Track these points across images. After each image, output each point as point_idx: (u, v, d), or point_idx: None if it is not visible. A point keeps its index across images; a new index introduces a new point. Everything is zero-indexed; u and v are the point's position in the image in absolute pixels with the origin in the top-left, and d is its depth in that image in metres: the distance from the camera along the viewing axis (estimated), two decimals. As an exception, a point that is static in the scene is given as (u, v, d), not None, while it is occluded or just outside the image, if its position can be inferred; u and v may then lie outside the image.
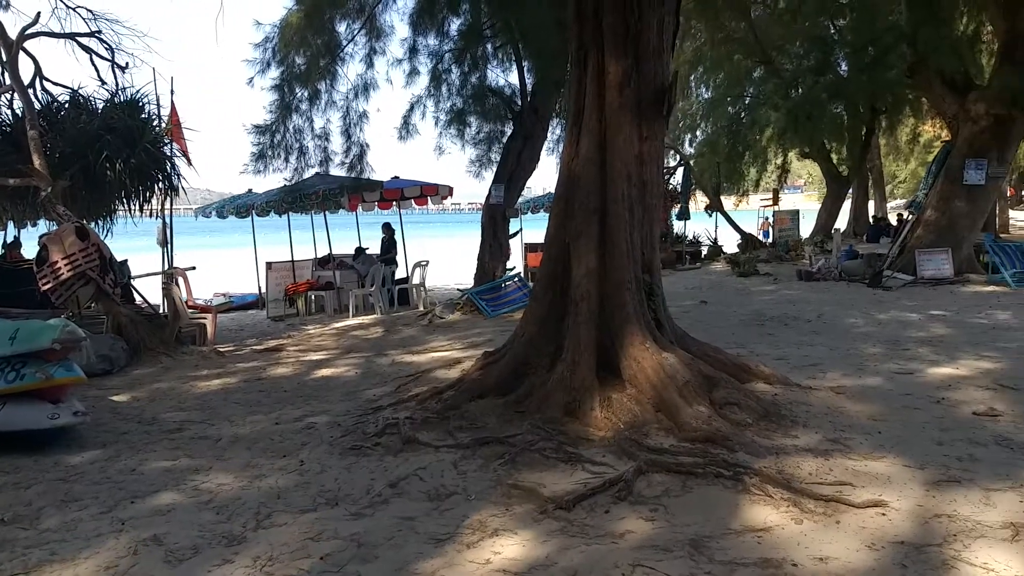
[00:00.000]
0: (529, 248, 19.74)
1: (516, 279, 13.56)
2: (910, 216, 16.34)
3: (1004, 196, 26.45)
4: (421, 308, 13.30)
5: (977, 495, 3.95)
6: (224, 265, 17.46)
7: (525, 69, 13.93)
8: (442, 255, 21.33)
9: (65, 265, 8.25)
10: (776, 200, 26.63)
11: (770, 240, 23.50)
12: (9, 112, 10.97)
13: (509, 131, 14.28)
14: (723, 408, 5.08)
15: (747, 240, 22.71)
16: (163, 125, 11.18)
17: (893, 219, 22.45)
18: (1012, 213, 32.33)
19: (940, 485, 4.10)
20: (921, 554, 3.34)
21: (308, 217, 16.19)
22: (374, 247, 15.57)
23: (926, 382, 6.41)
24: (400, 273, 15.47)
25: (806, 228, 26.41)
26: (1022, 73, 13.46)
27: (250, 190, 15.76)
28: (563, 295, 5.87)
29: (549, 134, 14.78)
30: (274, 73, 13.58)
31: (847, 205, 29.49)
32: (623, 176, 5.89)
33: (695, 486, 4.19)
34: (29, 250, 12.12)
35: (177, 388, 7.42)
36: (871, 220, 24.86)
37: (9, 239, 12.97)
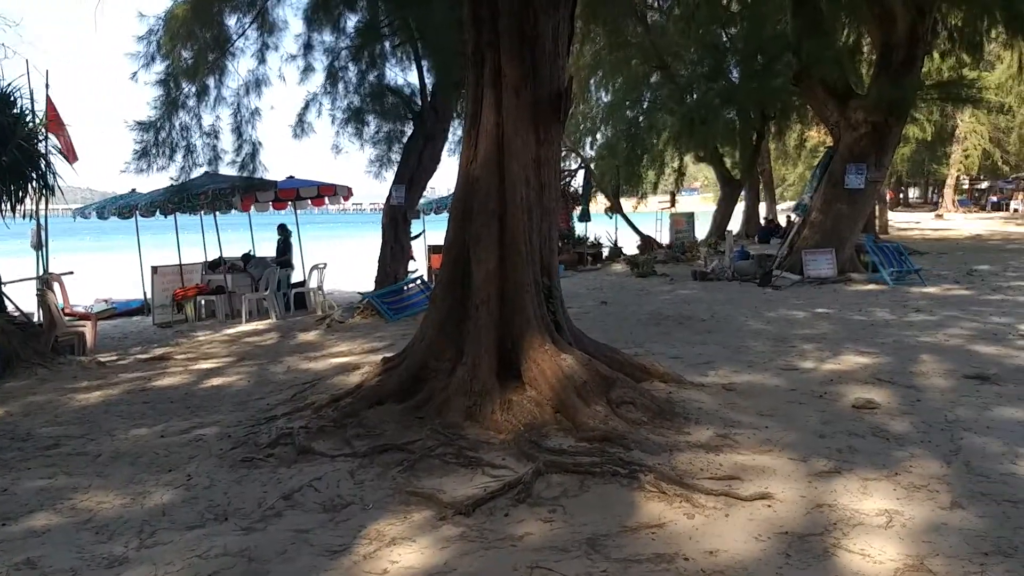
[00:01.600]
0: (432, 250, 19.58)
1: (419, 281, 13.43)
2: (797, 218, 17.22)
3: (884, 199, 28.25)
4: (319, 312, 12.96)
5: (855, 484, 4.18)
6: (106, 269, 16.49)
7: (424, 68, 13.81)
8: (341, 257, 20.91)
9: (-78, 270, 7.58)
10: (673, 203, 27.51)
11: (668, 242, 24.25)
12: None
13: (409, 131, 14.13)
14: (619, 407, 5.19)
15: (646, 242, 23.35)
16: (38, 121, 10.44)
17: (783, 221, 23.63)
18: (891, 215, 34.58)
19: (822, 476, 4.32)
20: (804, 543, 3.50)
21: (197, 218, 15.50)
22: (267, 250, 15.07)
23: (810, 377, 6.75)
24: (297, 276, 15.04)
25: (701, 230, 27.40)
26: (896, 83, 14.40)
27: (134, 190, 14.95)
28: (463, 298, 5.84)
29: (450, 135, 14.71)
30: (159, 67, 12.95)
31: (740, 207, 30.82)
32: (521, 179, 5.91)
33: (592, 485, 4.25)
34: None
35: (54, 401, 6.93)
36: (762, 222, 26.06)
37: None
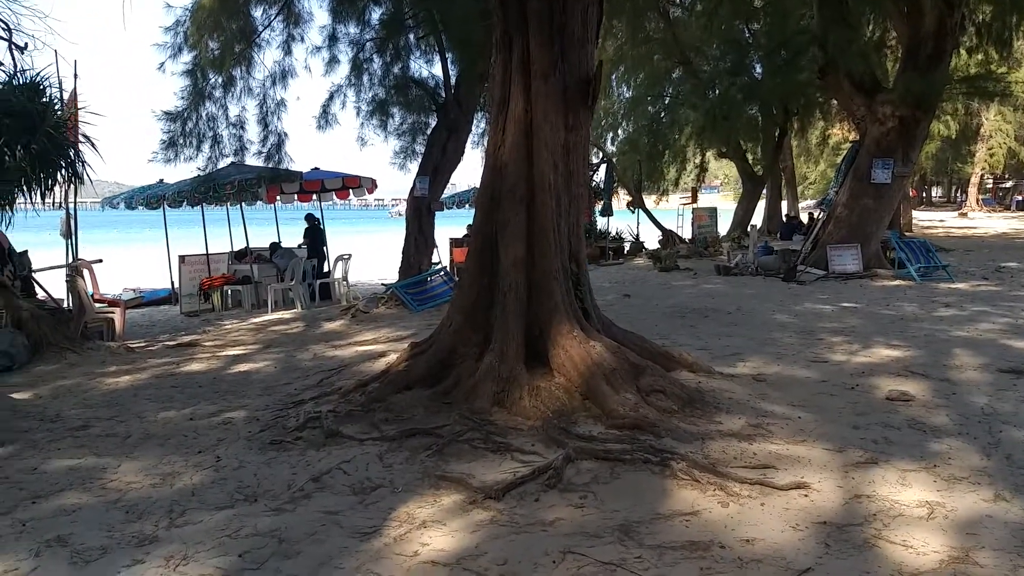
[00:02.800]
0: (454, 243, 19.62)
1: (442, 273, 13.42)
2: (821, 214, 17.00)
3: (907, 197, 27.86)
4: (344, 303, 12.99)
5: (894, 475, 4.10)
6: (134, 259, 16.65)
7: (448, 60, 13.79)
8: (364, 250, 20.96)
9: (-44, 256, 7.67)
10: (695, 198, 27.31)
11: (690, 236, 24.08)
12: None
13: (433, 123, 14.12)
14: (649, 396, 5.12)
15: (668, 236, 23.20)
16: (65, 110, 10.53)
17: (804, 218, 23.34)
18: (915, 213, 34.12)
19: (859, 467, 4.24)
20: (843, 533, 3.42)
21: (223, 210, 15.61)
22: (291, 241, 15.13)
23: (841, 369, 6.64)
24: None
25: (723, 226, 27.19)
26: (924, 76, 14.17)
27: (161, 180, 15.06)
28: (490, 285, 5.80)
29: (473, 127, 14.71)
30: (186, 58, 13.06)
31: (761, 204, 30.54)
32: (550, 165, 5.86)
33: (623, 472, 4.20)
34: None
35: (83, 385, 6.98)
36: (784, 218, 25.78)
37: None
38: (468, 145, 14.39)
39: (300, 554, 3.38)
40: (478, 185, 22.88)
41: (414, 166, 14.09)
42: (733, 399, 5.54)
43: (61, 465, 4.66)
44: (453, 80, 13.76)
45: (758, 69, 21.30)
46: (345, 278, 14.16)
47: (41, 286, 9.77)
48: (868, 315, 9.77)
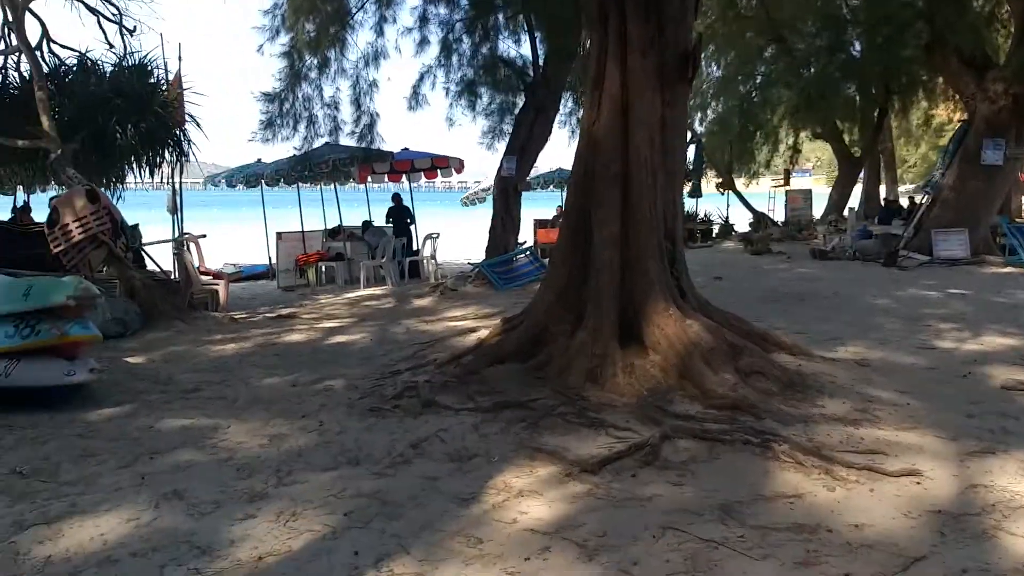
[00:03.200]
0: (539, 224, 19.62)
1: (528, 253, 13.45)
2: (925, 197, 16.16)
3: (1017, 181, 26.18)
4: (432, 280, 13.21)
5: (1013, 466, 3.87)
6: (233, 236, 17.39)
7: (537, 39, 13.72)
8: (450, 230, 21.21)
9: (76, 227, 8.16)
10: (787, 180, 26.39)
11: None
12: (16, 74, 10.85)
13: (521, 103, 14.11)
14: (748, 377, 5.01)
15: (759, 219, 22.53)
16: (171, 91, 11.02)
17: (904, 203, 22.25)
18: (1025, 198, 31.98)
19: (974, 456, 4.02)
20: (959, 523, 3.26)
21: (317, 190, 16.09)
22: (380, 220, 15.45)
23: (951, 357, 6.32)
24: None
25: (817, 209, 26.21)
26: (1042, 52, 13.23)
27: (259, 160, 15.63)
28: (583, 262, 5.77)
29: (561, 107, 14.61)
30: (283, 39, 13.42)
31: (857, 188, 29.24)
32: (646, 141, 5.77)
33: (722, 452, 4.12)
34: (39, 216, 12.06)
35: (192, 351, 7.35)
36: (883, 202, 24.63)
37: (20, 204, 12.92)
38: (556, 124, 14.32)
39: (403, 516, 3.47)
40: (561, 167, 22.81)
41: (501, 146, 14.14)
42: (836, 383, 5.35)
43: (175, 424, 4.92)
44: (541, 59, 13.69)
45: (857, 46, 20.36)
46: (433, 257, 14.38)
47: (152, 258, 10.32)
48: (978, 302, 9.25)
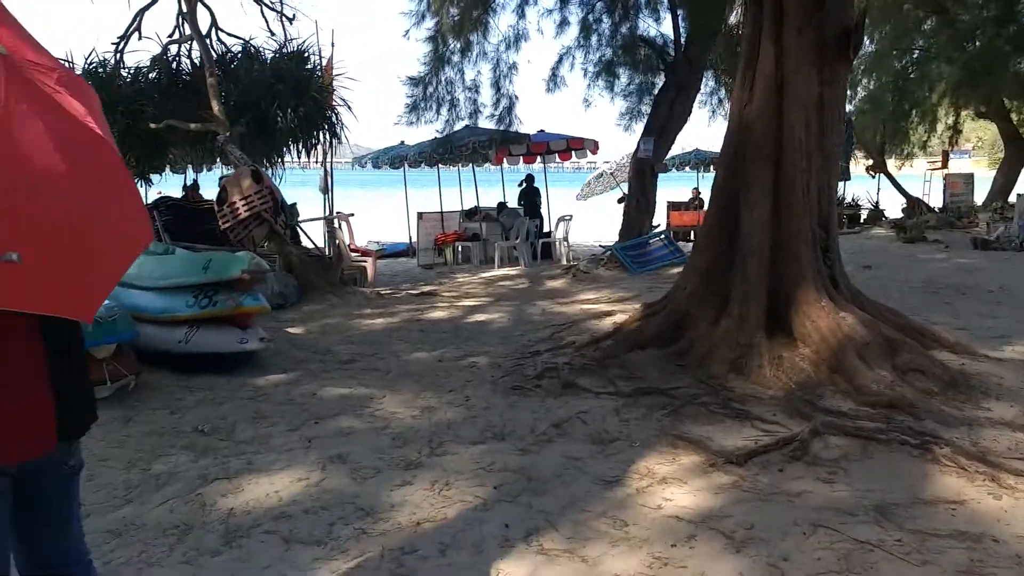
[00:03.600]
0: (672, 207, 19.25)
1: (662, 236, 13.26)
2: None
3: None
4: (564, 262, 13.29)
5: None
6: (374, 214, 18.17)
7: (679, 17, 13.40)
8: (582, 212, 21.19)
9: (243, 205, 8.83)
10: (945, 163, 24.42)
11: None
12: (188, 61, 11.75)
13: (660, 83, 13.87)
14: (906, 374, 4.76)
15: (914, 204, 21.03)
16: (325, 76, 11.62)
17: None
18: None
19: None
20: None
21: (455, 171, 16.52)
22: (514, 202, 15.66)
23: None
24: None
25: (979, 195, 24.14)
26: None
27: (402, 142, 16.22)
28: (730, 246, 5.65)
29: (703, 86, 14.24)
30: (429, 24, 13.81)
31: (1024, 171, 26.63)
32: (800, 121, 5.56)
33: (876, 452, 3.96)
34: (207, 194, 13.12)
35: (344, 324, 7.82)
36: (1056, 187, 22.35)
37: (189, 182, 14.07)
38: (696, 104, 13.97)
39: (548, 493, 3.59)
40: (699, 147, 22.00)
41: (638, 127, 13.97)
42: (1003, 385, 4.98)
43: (335, 393, 5.28)
44: (683, 38, 13.37)
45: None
46: (566, 239, 14.45)
47: (307, 234, 10.99)
48: None
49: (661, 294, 7.49)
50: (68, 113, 1.60)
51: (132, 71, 11.26)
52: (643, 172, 13.46)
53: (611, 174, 18.15)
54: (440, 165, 14.97)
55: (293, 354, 6.39)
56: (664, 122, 13.36)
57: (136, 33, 11.33)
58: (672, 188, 20.19)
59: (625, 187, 16.73)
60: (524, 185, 15.40)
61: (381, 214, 18.28)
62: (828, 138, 5.65)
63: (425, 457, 4.06)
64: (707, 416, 4.56)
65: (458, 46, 13.89)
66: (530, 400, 4.96)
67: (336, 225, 10.52)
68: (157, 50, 11.54)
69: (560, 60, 14.30)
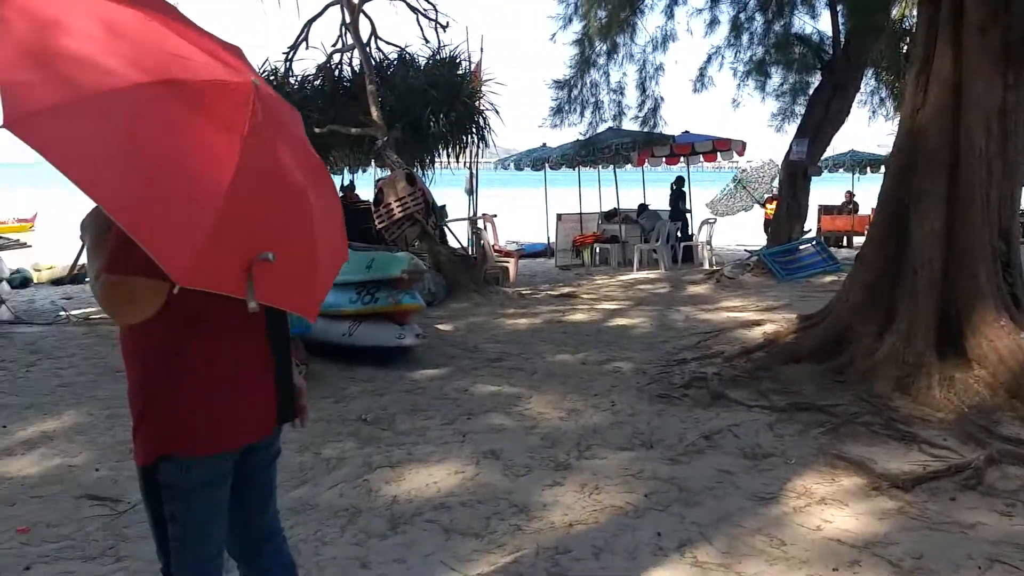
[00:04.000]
0: (824, 210, 18.37)
1: (813, 242, 12.70)
2: None
3: None
4: (707, 267, 13.00)
5: None
6: (514, 215, 18.52)
7: (839, 14, 12.75)
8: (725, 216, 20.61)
9: (397, 207, 9.28)
10: None
11: None
12: (349, 69, 12.44)
13: (815, 82, 13.26)
14: (1102, 404, 4.34)
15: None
16: (475, 81, 11.96)
17: None
18: None
19: None
20: None
21: (595, 171, 16.52)
22: (657, 203, 15.47)
23: None
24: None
25: None
26: None
27: (544, 144, 16.42)
28: (898, 259, 5.35)
29: (863, 85, 13.48)
30: (576, 27, 13.90)
31: None
32: (980, 127, 5.18)
33: (1064, 487, 3.65)
34: (363, 195, 13.85)
35: (489, 322, 8.05)
36: None
37: (346, 183, 14.91)
38: (855, 105, 13.26)
39: (700, 505, 3.56)
40: (855, 148, 20.72)
41: (791, 128, 13.43)
42: None
43: (485, 390, 5.47)
44: (842, 35, 12.72)
45: None
46: (709, 242, 14.13)
47: (454, 234, 11.38)
48: None
49: (814, 304, 7.22)
50: (297, 135, 1.82)
51: (299, 79, 12.06)
52: (795, 175, 12.91)
53: (744, 186, 17.33)
54: (581, 166, 15.03)
55: (444, 350, 6.66)
56: (819, 123, 12.77)
57: (304, 43, 12.13)
58: (824, 190, 19.25)
59: (766, 197, 16.18)
60: (675, 187, 15.20)
61: (520, 214, 18.61)
62: (1011, 144, 5.23)
63: (574, 459, 4.13)
64: (868, 437, 4.35)
65: (604, 48, 13.91)
66: (678, 409, 4.92)
67: (481, 226, 10.82)
68: (322, 59, 12.30)
69: (708, 60, 13.99)
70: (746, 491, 3.71)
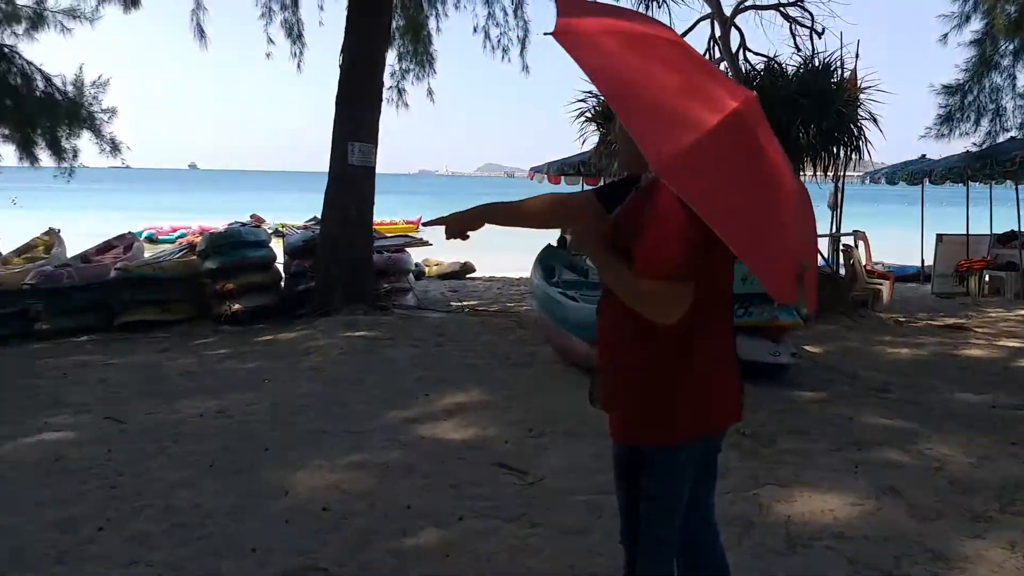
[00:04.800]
0: None
1: None
2: None
3: None
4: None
5: None
6: (881, 232, 16.85)
7: None
8: None
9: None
10: None
11: None
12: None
13: None
14: None
15: None
16: (849, 89, 11.14)
17: None
18: None
19: None
20: None
21: (986, 188, 14.38)
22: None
23: None
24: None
25: None
26: None
27: (923, 156, 14.72)
28: None
29: None
30: (975, 26, 12.32)
31: None
32: None
33: None
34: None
35: (865, 348, 7.43)
36: None
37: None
38: None
39: None
40: None
41: None
42: None
43: (873, 421, 5.07)
44: None
45: None
46: None
47: (821, 254, 10.71)
48: None
49: None
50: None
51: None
52: None
53: None
54: (971, 181, 13.19)
55: (817, 373, 6.32)
56: None
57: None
58: None
59: None
60: None
61: (887, 232, 16.95)
62: None
63: (996, 512, 3.65)
64: None
65: (1010, 47, 12.14)
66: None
67: (852, 243, 10.04)
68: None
69: None
70: None
